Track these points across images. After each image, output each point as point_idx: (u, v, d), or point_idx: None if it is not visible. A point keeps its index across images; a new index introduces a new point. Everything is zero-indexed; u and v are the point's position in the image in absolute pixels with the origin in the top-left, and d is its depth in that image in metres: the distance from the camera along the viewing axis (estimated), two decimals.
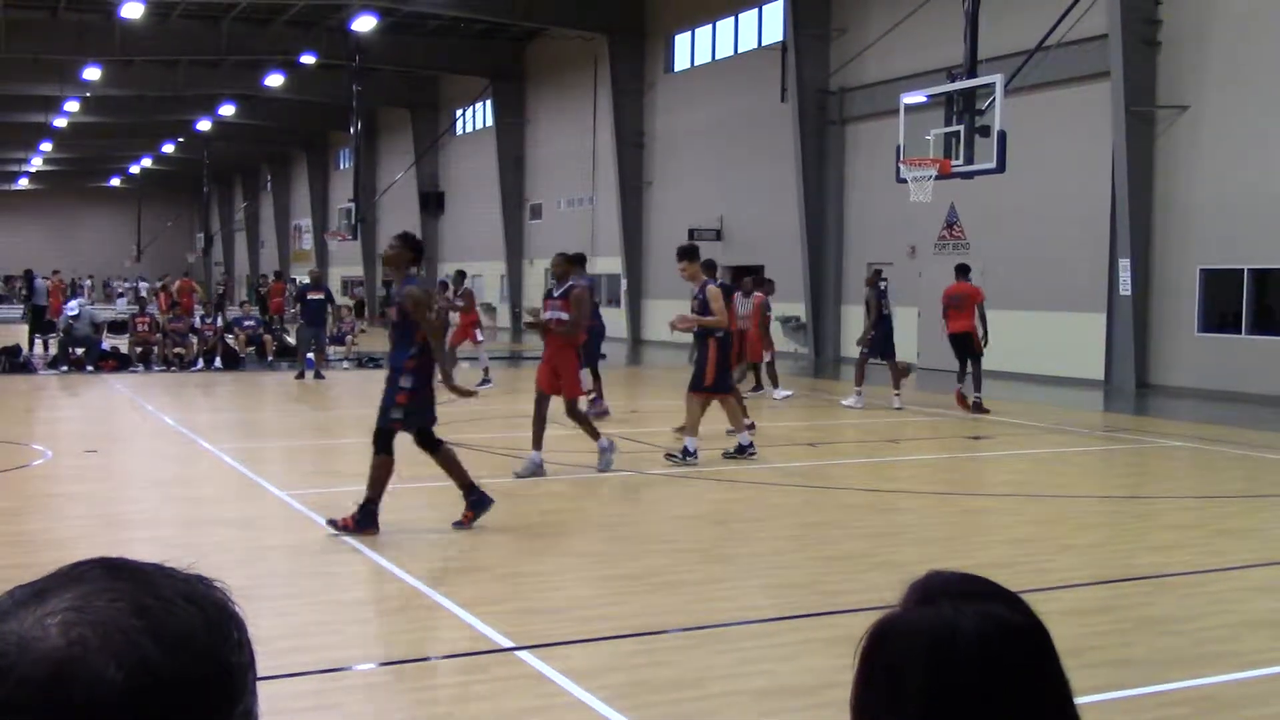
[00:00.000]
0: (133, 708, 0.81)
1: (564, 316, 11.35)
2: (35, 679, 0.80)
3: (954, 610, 1.18)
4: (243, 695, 0.89)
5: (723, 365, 12.48)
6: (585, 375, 13.07)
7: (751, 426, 13.11)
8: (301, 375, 21.83)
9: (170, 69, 44.77)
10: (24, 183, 78.93)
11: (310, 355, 22.27)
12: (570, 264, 12.39)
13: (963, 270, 18.12)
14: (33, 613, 0.84)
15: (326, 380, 21.95)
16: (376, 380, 22.86)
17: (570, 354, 11.43)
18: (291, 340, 27.39)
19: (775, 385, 19.21)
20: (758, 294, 19.33)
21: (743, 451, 12.52)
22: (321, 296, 22.86)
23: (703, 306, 12.39)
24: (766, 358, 19.13)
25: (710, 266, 16.95)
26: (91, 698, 0.80)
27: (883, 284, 18.45)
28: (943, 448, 13.76)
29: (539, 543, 8.68)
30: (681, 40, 34.74)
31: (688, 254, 12.78)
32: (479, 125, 46.50)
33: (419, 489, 10.69)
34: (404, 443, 8.90)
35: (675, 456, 12.19)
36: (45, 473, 11.47)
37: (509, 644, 5.86)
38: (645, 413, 17.95)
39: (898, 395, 17.72)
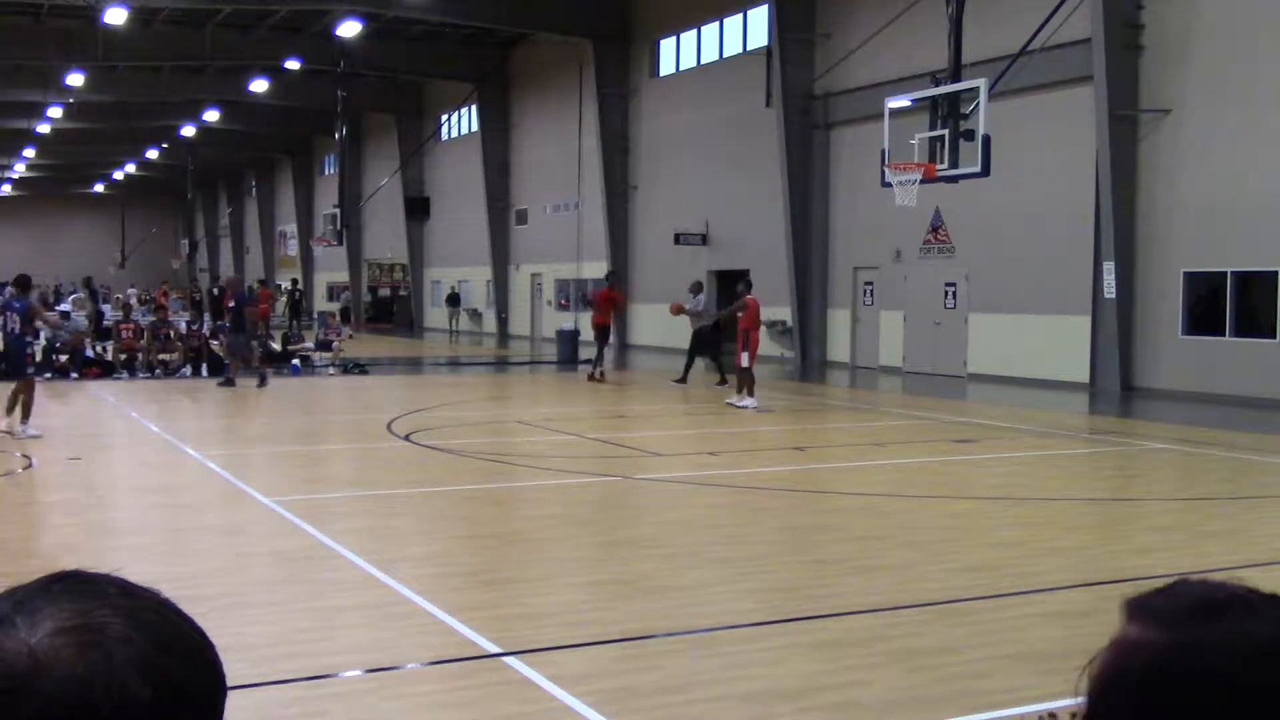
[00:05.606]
0: None
1: None
2: (63, 699, 0.80)
3: (1269, 625, 0.93)
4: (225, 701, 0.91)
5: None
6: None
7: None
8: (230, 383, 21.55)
9: (154, 74, 44.65)
10: (7, 189, 78.60)
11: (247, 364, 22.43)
12: None
13: (611, 277, 26.77)
14: (27, 629, 0.84)
15: (238, 388, 21.34)
16: (364, 387, 22.87)
17: None
18: (276, 346, 27.31)
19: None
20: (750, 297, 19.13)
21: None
22: (234, 304, 23.00)
23: None
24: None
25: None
26: (122, 716, 0.81)
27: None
28: (929, 451, 13.79)
29: (525, 548, 8.67)
30: (666, 45, 34.77)
31: None
32: (464, 130, 46.48)
33: (404, 495, 10.67)
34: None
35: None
36: (28, 480, 11.40)
37: (495, 650, 5.85)
38: (631, 417, 17.95)
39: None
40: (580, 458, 13.12)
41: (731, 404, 18.17)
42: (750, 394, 18.05)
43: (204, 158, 64.19)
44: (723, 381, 21.68)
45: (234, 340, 22.30)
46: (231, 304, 23.00)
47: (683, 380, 22.05)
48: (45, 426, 14.57)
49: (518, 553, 8.49)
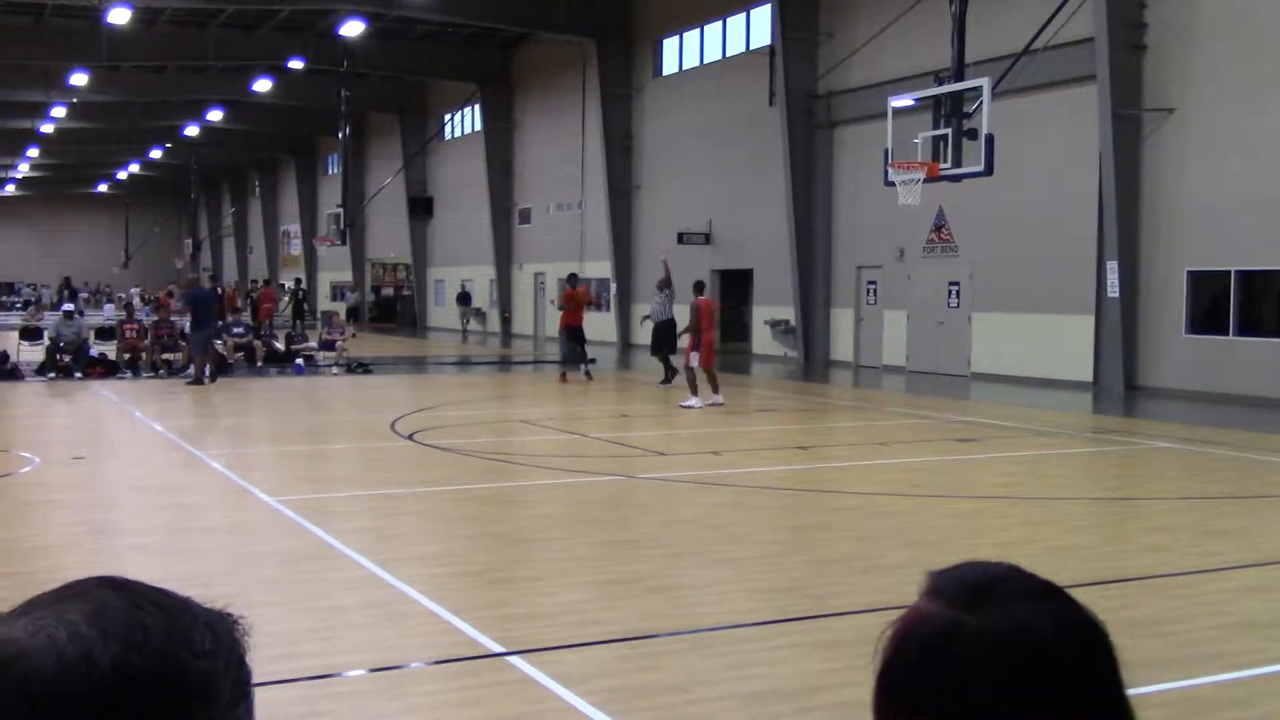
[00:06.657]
0: (63, 694, 0.84)
1: None
2: None
3: (1028, 612, 1.06)
4: (213, 704, 0.89)
5: None
6: None
7: None
8: (213, 379, 21.69)
9: (157, 75, 44.69)
10: (11, 189, 78.71)
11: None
12: None
13: (572, 278, 25.68)
14: (19, 619, 0.88)
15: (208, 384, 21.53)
16: (367, 386, 22.87)
17: None
18: (280, 345, 27.33)
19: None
20: (703, 298, 19.10)
21: None
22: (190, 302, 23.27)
23: None
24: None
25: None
26: (22, 685, 0.83)
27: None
28: (932, 450, 13.78)
29: (529, 547, 8.67)
30: (669, 44, 34.77)
31: None
32: (467, 130, 46.49)
33: (407, 494, 10.68)
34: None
35: None
36: (33, 480, 11.42)
37: (499, 649, 5.86)
38: (634, 417, 17.96)
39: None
40: (583, 457, 13.13)
41: (685, 405, 18.03)
42: (695, 393, 18.05)
43: (207, 157, 64.25)
44: (666, 381, 21.74)
45: (195, 337, 22.41)
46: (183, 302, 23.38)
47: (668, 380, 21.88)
48: (49, 426, 14.59)
49: (521, 552, 8.50)
